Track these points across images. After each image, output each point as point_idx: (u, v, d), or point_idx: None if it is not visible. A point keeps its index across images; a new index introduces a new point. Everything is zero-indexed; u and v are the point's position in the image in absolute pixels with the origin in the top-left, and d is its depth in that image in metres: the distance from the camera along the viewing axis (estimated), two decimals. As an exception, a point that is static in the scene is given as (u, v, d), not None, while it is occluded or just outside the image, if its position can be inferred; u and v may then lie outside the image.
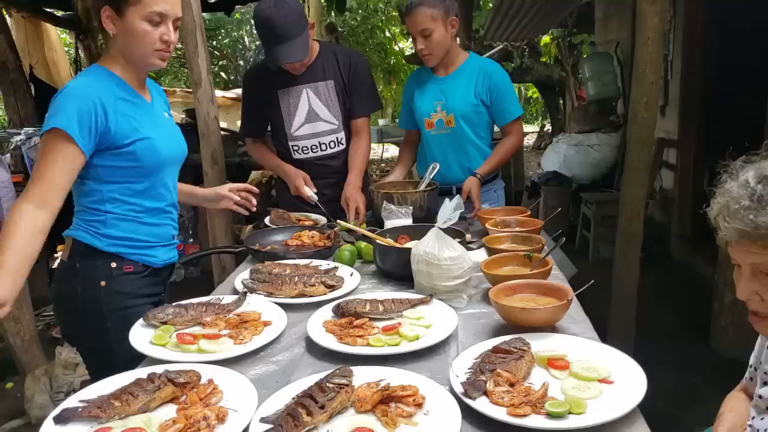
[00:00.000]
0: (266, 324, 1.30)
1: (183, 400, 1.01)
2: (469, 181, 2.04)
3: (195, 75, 2.44)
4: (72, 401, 1.00)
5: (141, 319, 1.30)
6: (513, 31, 7.14)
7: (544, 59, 10.92)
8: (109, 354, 1.44)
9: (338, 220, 1.92)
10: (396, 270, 1.58)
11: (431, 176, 2.05)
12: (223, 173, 2.53)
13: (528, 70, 10.09)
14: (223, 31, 11.15)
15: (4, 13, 4.11)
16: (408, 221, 1.87)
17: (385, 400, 0.96)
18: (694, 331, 3.08)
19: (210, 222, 2.58)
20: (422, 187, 2.03)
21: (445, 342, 1.20)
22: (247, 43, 11.85)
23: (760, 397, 1.01)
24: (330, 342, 1.20)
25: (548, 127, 12.49)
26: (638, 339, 2.51)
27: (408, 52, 11.71)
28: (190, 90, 8.05)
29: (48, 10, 4.74)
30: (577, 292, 1.25)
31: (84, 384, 2.71)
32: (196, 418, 0.93)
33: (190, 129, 3.89)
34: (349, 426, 0.91)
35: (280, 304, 1.39)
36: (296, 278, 1.50)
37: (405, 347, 1.17)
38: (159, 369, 1.06)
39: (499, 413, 0.91)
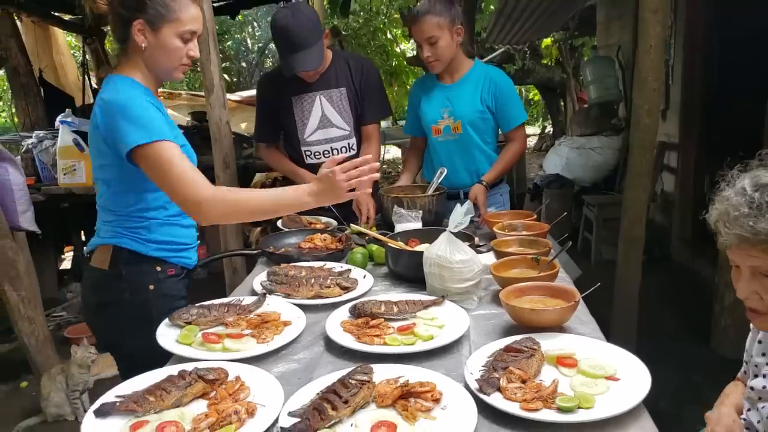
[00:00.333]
0: (286, 324, 1.36)
1: (213, 395, 1.07)
2: (476, 188, 2.10)
3: (208, 81, 2.50)
4: (109, 396, 1.06)
5: (167, 319, 1.36)
6: (516, 34, 7.20)
7: (545, 61, 10.99)
8: (153, 357, 1.46)
9: (351, 224, 1.98)
10: (408, 272, 1.64)
11: (439, 180, 2.11)
12: (235, 176, 2.59)
13: (529, 72, 10.16)
14: (226, 34, 11.21)
15: (15, 17, 4.18)
16: (418, 225, 1.92)
17: (405, 396, 1.02)
18: (695, 332, 3.13)
19: (221, 225, 2.63)
20: (430, 191, 2.09)
21: (458, 341, 1.26)
22: (249, 45, 11.92)
23: (752, 388, 1.06)
24: (348, 341, 1.25)
25: (549, 128, 12.56)
26: (640, 340, 2.57)
27: (409, 54, 11.78)
28: (196, 93, 8.08)
29: (56, 14, 4.81)
30: (584, 294, 1.31)
31: (98, 383, 2.77)
32: (227, 412, 0.98)
33: (195, 132, 3.95)
34: (371, 419, 0.97)
35: (298, 305, 1.45)
36: (312, 280, 1.56)
37: (420, 346, 1.22)
38: (188, 366, 1.12)
39: (513, 408, 0.97)
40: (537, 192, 5.24)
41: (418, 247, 1.74)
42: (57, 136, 3.57)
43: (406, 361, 1.17)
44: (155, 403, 1.02)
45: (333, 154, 2.19)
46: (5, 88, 11.22)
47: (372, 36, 11.65)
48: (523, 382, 1.04)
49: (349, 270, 1.68)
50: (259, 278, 1.64)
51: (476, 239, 1.80)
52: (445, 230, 1.51)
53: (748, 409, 1.10)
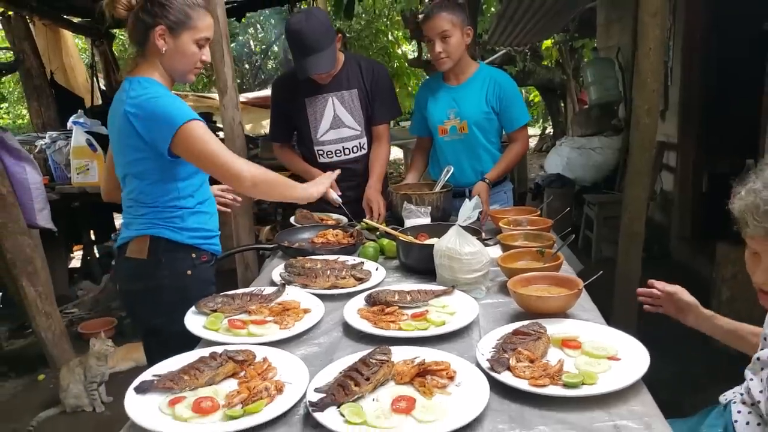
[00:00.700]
0: (306, 311, 1.44)
1: (242, 375, 1.15)
2: (479, 186, 2.18)
3: (221, 83, 2.58)
4: (146, 375, 1.14)
5: (193, 307, 1.44)
6: (517, 36, 7.29)
7: (545, 63, 11.08)
8: (190, 338, 1.54)
9: (364, 219, 2.06)
10: (418, 264, 1.72)
11: (446, 178, 2.19)
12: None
13: (530, 73, 10.25)
14: (230, 37, 11.32)
15: (28, 20, 4.27)
16: (426, 220, 2.01)
17: (422, 374, 1.10)
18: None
19: (234, 222, 2.72)
20: (437, 189, 2.18)
21: (468, 327, 1.34)
22: (252, 46, 12.01)
23: (758, 359, 1.14)
24: (366, 326, 1.34)
25: (550, 129, 12.65)
26: (639, 332, 2.65)
27: (411, 56, 11.87)
28: (201, 94, 8.15)
29: (66, 17, 4.90)
30: (587, 282, 1.39)
31: (113, 375, 2.86)
32: (258, 389, 1.07)
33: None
34: (391, 394, 1.05)
35: (316, 295, 1.53)
36: (328, 272, 1.65)
37: (433, 331, 1.31)
38: (218, 349, 1.21)
39: (522, 384, 1.05)
40: (539, 191, 5.32)
41: (428, 241, 1.83)
42: (69, 137, 3.66)
43: (421, 345, 1.25)
44: (190, 381, 1.10)
45: (344, 153, 2.27)
46: (11, 89, 11.33)
47: (374, 38, 11.74)
48: (531, 361, 1.12)
49: (362, 263, 1.77)
50: (277, 270, 1.73)
51: (482, 233, 1.88)
52: (453, 224, 1.59)
53: (750, 379, 1.17)
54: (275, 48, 12.16)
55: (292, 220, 2.24)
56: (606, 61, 5.57)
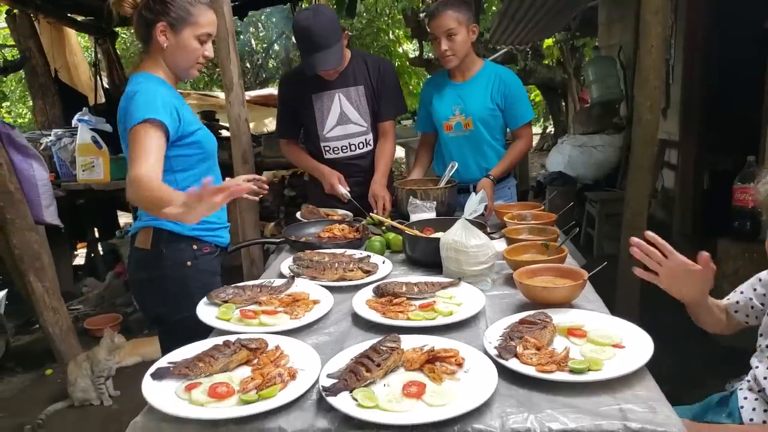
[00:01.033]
0: (315, 302, 1.47)
1: (256, 362, 1.18)
2: (483, 182, 2.21)
3: (227, 80, 2.61)
4: (162, 363, 1.16)
5: (205, 297, 1.47)
6: (519, 34, 7.31)
7: (546, 62, 11.10)
8: (194, 327, 1.57)
9: (371, 214, 2.09)
10: (425, 257, 1.75)
11: (450, 174, 2.22)
12: (253, 171, 2.70)
13: (531, 72, 10.28)
14: (231, 34, 11.34)
15: (33, 19, 4.30)
16: (432, 215, 2.03)
17: (431, 360, 1.13)
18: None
19: (240, 217, 2.75)
20: (442, 184, 2.20)
21: (475, 317, 1.37)
22: (254, 45, 12.04)
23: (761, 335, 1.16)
24: (375, 316, 1.36)
25: (551, 128, 12.68)
26: (641, 327, 2.68)
27: (412, 54, 11.90)
28: (204, 93, 8.19)
29: (71, 15, 4.92)
30: (592, 273, 1.42)
31: (119, 370, 2.89)
32: (271, 375, 1.09)
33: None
34: (402, 380, 1.08)
35: (324, 286, 1.56)
36: (336, 264, 1.67)
37: (441, 321, 1.33)
38: (231, 338, 1.23)
39: (529, 370, 1.08)
40: (540, 189, 5.35)
41: (434, 235, 1.85)
42: (74, 134, 3.69)
43: (429, 334, 1.27)
44: (204, 368, 1.13)
45: (351, 149, 2.30)
46: (12, 88, 11.35)
47: (375, 37, 11.77)
48: (538, 349, 1.15)
49: (369, 256, 1.79)
50: (285, 263, 1.75)
51: (487, 227, 1.91)
52: (459, 218, 1.62)
53: (756, 366, 1.20)
54: (276, 47, 12.18)
55: (298, 215, 2.26)
56: (607, 59, 5.59)
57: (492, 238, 1.73)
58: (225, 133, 4.14)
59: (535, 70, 10.29)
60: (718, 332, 1.39)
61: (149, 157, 1.43)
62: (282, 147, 2.39)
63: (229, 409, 1.01)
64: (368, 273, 1.66)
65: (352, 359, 1.14)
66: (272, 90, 8.07)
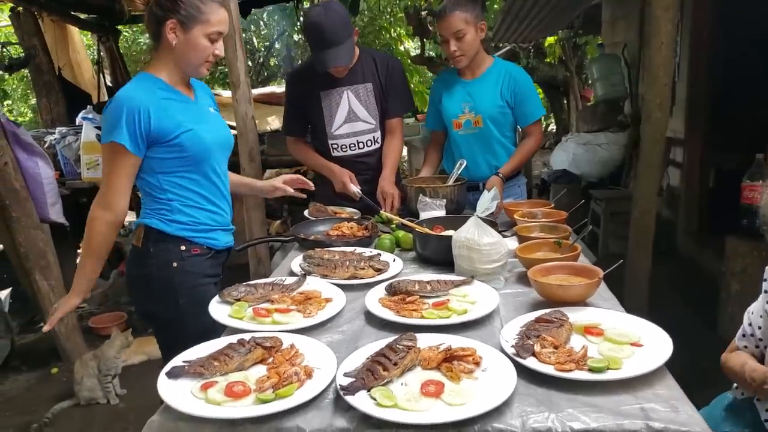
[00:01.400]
0: (328, 300, 1.46)
1: (271, 361, 1.17)
2: (493, 180, 2.19)
3: (234, 77, 2.60)
4: (177, 361, 1.16)
5: (217, 296, 1.46)
6: (522, 32, 7.29)
7: (548, 60, 11.06)
8: (181, 328, 1.61)
9: (382, 212, 2.08)
10: (436, 255, 1.74)
11: (459, 172, 2.21)
12: (260, 169, 2.69)
13: (533, 70, 10.24)
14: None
15: (37, 16, 4.29)
16: (442, 212, 2.02)
17: (448, 359, 1.12)
18: (702, 320, 3.23)
19: (247, 215, 2.74)
20: (451, 182, 2.19)
21: (489, 315, 1.36)
22: (256, 43, 12.01)
23: None
24: (388, 315, 1.35)
25: (552, 126, 12.65)
26: (650, 326, 2.67)
27: (413, 52, 11.86)
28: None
29: (74, 13, 4.91)
30: (607, 271, 1.41)
31: (125, 369, 2.88)
32: (288, 374, 1.08)
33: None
34: (419, 379, 1.07)
35: (336, 285, 1.55)
36: (347, 263, 1.66)
37: (456, 319, 1.32)
38: (246, 336, 1.22)
39: (548, 369, 1.07)
40: (545, 187, 5.34)
41: (444, 233, 1.84)
42: (79, 132, 3.68)
43: (444, 332, 1.26)
44: (220, 366, 1.12)
45: (359, 147, 2.29)
46: (14, 87, 11.34)
47: (377, 35, 11.73)
48: (555, 347, 1.14)
49: (379, 254, 1.78)
50: (296, 261, 1.74)
51: (498, 225, 1.90)
52: (470, 216, 1.61)
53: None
54: (278, 45, 12.15)
55: (305, 213, 2.25)
56: (612, 57, 5.57)
57: (503, 236, 1.72)
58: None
59: (537, 68, 10.26)
60: None
61: (110, 189, 1.52)
62: (289, 145, 2.38)
63: (246, 409, 1.00)
64: (379, 271, 1.65)
65: (368, 358, 1.13)
66: (274, 88, 8.05)
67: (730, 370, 1.35)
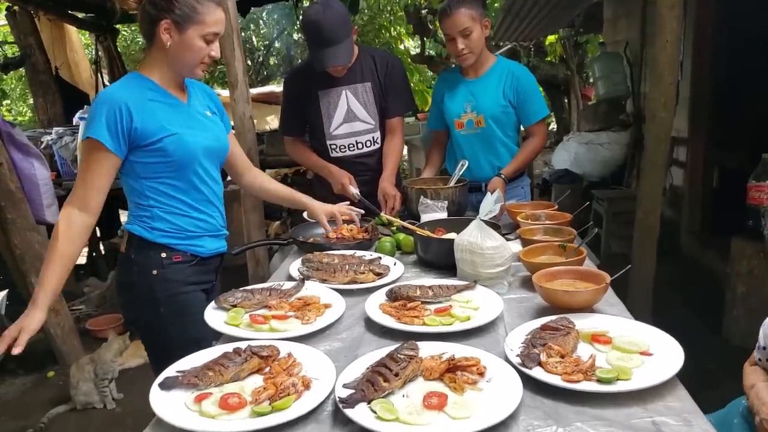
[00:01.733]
0: (327, 306, 1.42)
1: (267, 371, 1.13)
2: (495, 181, 2.15)
3: (232, 77, 2.56)
4: (170, 371, 1.12)
5: (213, 302, 1.42)
6: (523, 31, 7.25)
7: (549, 59, 11.01)
8: (164, 336, 1.58)
9: (382, 214, 2.04)
10: (438, 259, 1.70)
11: (460, 173, 2.17)
12: (256, 162, 2.64)
13: (534, 69, 10.19)
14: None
15: (34, 16, 4.24)
16: (444, 215, 1.98)
17: (451, 370, 1.08)
18: (707, 322, 3.19)
19: (245, 217, 2.70)
20: (452, 183, 2.15)
21: (493, 322, 1.32)
22: (255, 43, 11.97)
23: None
24: (389, 321, 1.31)
25: (553, 125, 12.61)
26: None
27: (413, 51, 11.81)
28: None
29: (71, 12, 4.87)
30: (615, 276, 1.37)
31: (122, 372, 2.84)
32: (285, 385, 1.05)
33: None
34: (422, 390, 1.03)
35: (335, 290, 1.51)
36: (346, 267, 1.63)
37: (459, 326, 1.28)
38: (242, 345, 1.18)
39: (554, 380, 1.03)
40: (546, 187, 5.29)
41: (446, 236, 1.80)
42: (76, 133, 3.64)
43: (446, 340, 1.22)
44: (215, 377, 1.08)
45: (358, 148, 2.24)
46: (12, 86, 11.29)
47: (376, 33, 11.67)
48: (562, 357, 1.10)
49: (380, 257, 1.74)
50: (294, 265, 1.70)
51: (501, 228, 1.86)
52: (473, 219, 1.57)
53: None
54: (277, 44, 12.10)
55: (304, 215, 2.21)
56: (614, 55, 5.53)
57: (507, 239, 1.68)
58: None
59: (537, 66, 10.21)
60: None
61: (87, 188, 1.45)
62: (287, 145, 2.34)
63: (241, 422, 0.96)
64: (380, 275, 1.61)
65: (368, 368, 1.09)
66: (274, 87, 8.01)
67: (744, 385, 1.32)
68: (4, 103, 11.79)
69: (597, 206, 4.71)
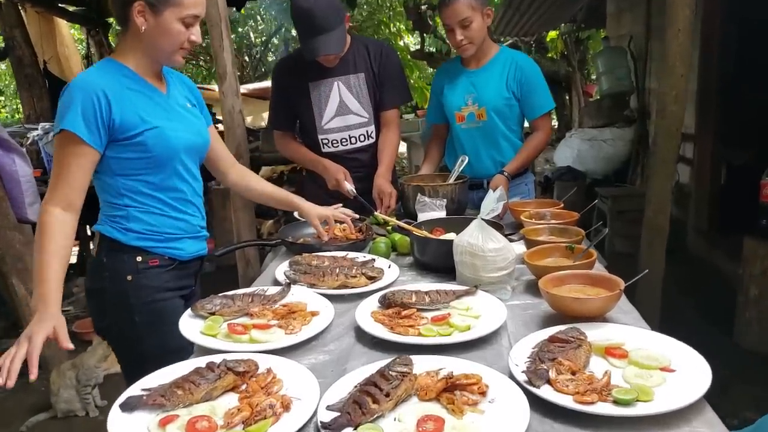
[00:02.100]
0: (314, 314, 1.30)
1: (244, 389, 1.01)
2: (497, 179, 2.03)
3: (221, 68, 2.43)
4: (134, 390, 1.00)
5: (189, 310, 1.30)
6: (524, 26, 7.12)
7: (550, 55, 10.87)
8: (140, 347, 1.45)
9: (376, 213, 1.92)
10: (435, 261, 1.58)
11: (460, 169, 2.05)
12: (248, 166, 2.52)
13: (535, 65, 10.06)
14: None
15: (20, 8, 4.12)
16: (442, 213, 1.86)
17: (449, 389, 0.96)
18: (717, 324, 3.07)
19: (234, 216, 2.58)
20: (452, 180, 2.03)
21: (496, 332, 1.20)
22: (252, 39, 11.82)
23: None
24: (381, 332, 1.20)
25: (555, 122, 12.48)
26: (662, 331, 2.52)
27: (413, 48, 11.68)
28: (202, 86, 8.03)
29: (61, 5, 4.75)
30: (629, 282, 1.25)
31: (107, 377, 2.72)
32: (261, 406, 0.93)
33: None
34: (416, 413, 0.91)
35: (324, 295, 1.39)
36: (337, 270, 1.51)
37: (458, 337, 1.16)
38: (216, 358, 1.07)
39: (566, 401, 0.91)
40: (548, 184, 5.17)
41: (445, 236, 1.68)
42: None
43: (444, 353, 1.11)
44: (184, 396, 0.96)
45: (351, 142, 2.12)
46: (7, 83, 11.18)
47: (375, 30, 11.53)
48: (573, 373, 0.98)
49: (373, 260, 1.62)
50: (281, 268, 1.58)
51: (504, 228, 1.74)
52: (473, 218, 1.45)
53: None
54: (275, 40, 11.96)
55: (296, 214, 2.09)
56: (617, 50, 5.40)
57: (510, 240, 1.56)
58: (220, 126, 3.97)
59: (538, 63, 10.00)
60: None
61: (65, 185, 1.31)
62: (276, 140, 2.21)
63: (209, 451, 0.84)
64: (373, 279, 1.49)
65: (355, 386, 0.97)
66: (270, 83, 7.89)
67: None
68: (-1, 99, 11.67)
69: (601, 204, 4.58)
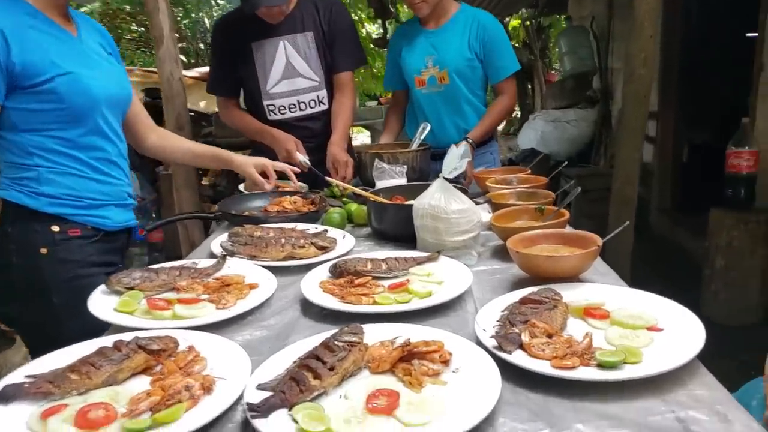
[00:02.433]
0: (252, 287, 1.13)
1: (158, 370, 0.83)
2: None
3: (156, 32, 2.21)
4: (15, 376, 0.80)
5: (102, 285, 1.10)
6: (485, 9, 7.03)
7: (512, 43, 10.90)
8: (57, 332, 1.23)
9: (334, 182, 1.74)
10: (394, 229, 1.43)
11: (422, 137, 1.90)
12: (190, 138, 2.30)
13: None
14: (182, 10, 10.67)
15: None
16: (402, 181, 1.71)
17: (406, 358, 0.81)
18: (683, 300, 3.04)
19: (177, 194, 2.36)
20: (413, 147, 1.88)
21: (460, 298, 1.06)
22: (207, 24, 11.40)
23: None
24: (330, 302, 1.04)
25: (517, 111, 12.53)
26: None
27: (375, 36, 11.49)
28: (149, 69, 7.65)
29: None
30: (607, 238, 1.12)
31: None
32: (176, 388, 0.75)
33: (148, 108, 3.64)
34: (367, 389, 0.75)
35: (266, 267, 1.22)
36: (282, 240, 1.33)
37: (417, 304, 1.02)
38: (127, 336, 0.88)
39: (543, 367, 0.77)
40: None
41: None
42: None
43: (401, 321, 0.96)
44: (79, 381, 0.78)
45: (300, 108, 1.93)
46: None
47: (337, 18, 11.32)
48: (549, 336, 0.85)
49: (326, 230, 1.46)
50: (218, 240, 1.40)
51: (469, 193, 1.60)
52: (436, 178, 1.30)
53: None
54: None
55: (241, 187, 1.89)
56: (580, 29, 5.37)
57: (476, 204, 1.42)
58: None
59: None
60: None
61: None
62: (220, 109, 2.00)
63: (101, 446, 0.67)
64: (324, 249, 1.33)
65: (294, 361, 0.81)
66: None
67: (765, 376, 1.10)
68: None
69: (564, 184, 4.54)
